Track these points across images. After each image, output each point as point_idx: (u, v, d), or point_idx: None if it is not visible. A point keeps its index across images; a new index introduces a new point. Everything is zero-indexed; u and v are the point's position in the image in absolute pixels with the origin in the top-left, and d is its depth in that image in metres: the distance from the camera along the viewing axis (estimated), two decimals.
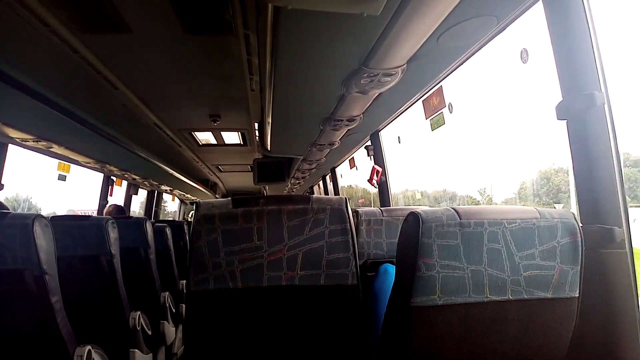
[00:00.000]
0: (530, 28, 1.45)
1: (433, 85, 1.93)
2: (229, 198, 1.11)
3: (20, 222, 1.30)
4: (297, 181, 5.06)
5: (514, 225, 0.94)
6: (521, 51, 1.45)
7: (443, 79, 1.86)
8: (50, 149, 2.93)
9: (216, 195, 7.95)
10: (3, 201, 2.27)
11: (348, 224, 1.12)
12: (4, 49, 1.78)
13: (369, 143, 2.99)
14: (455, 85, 1.89)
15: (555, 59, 1.28)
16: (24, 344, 1.40)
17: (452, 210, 0.95)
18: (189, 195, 8.05)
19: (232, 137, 3.97)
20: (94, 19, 1.66)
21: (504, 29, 1.47)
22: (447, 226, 0.92)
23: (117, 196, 4.80)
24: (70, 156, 3.30)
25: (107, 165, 3.90)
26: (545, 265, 0.96)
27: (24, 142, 2.70)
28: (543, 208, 1.00)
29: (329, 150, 3.10)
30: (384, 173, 2.88)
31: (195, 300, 1.10)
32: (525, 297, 0.96)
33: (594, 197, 1.18)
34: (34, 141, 2.70)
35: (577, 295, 0.99)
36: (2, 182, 2.68)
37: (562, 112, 1.24)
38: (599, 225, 1.15)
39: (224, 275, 1.09)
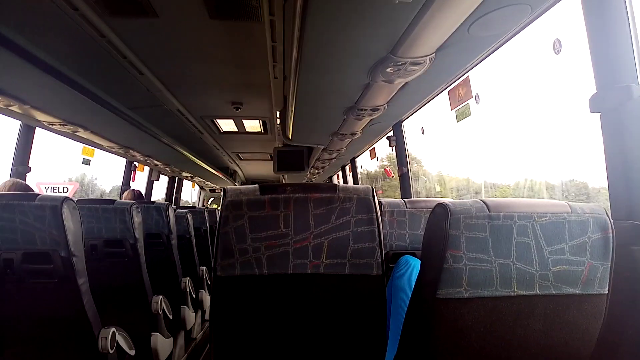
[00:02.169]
0: (564, 17, 1.41)
1: (460, 75, 1.90)
2: (256, 185, 1.12)
3: (50, 204, 1.33)
4: (317, 171, 5.06)
5: (544, 219, 0.92)
6: (554, 41, 1.41)
7: (471, 68, 1.83)
8: (76, 133, 2.98)
9: (235, 183, 8.01)
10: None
11: (374, 214, 1.12)
12: (33, 32, 1.81)
13: (391, 133, 2.96)
14: (483, 75, 1.86)
15: (591, 50, 1.24)
16: (51, 325, 1.44)
17: (481, 203, 0.93)
18: (209, 183, 8.13)
19: (253, 125, 3.99)
20: (121, 2, 1.68)
21: (536, 18, 1.44)
22: (475, 218, 0.91)
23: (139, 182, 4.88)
24: (95, 140, 3.35)
25: (131, 151, 3.96)
26: (575, 261, 0.94)
27: (50, 126, 2.76)
28: (574, 202, 0.98)
29: (350, 140, 3.09)
30: (406, 164, 2.86)
31: (221, 286, 1.11)
32: (553, 292, 0.94)
33: (626, 192, 1.15)
34: (60, 125, 2.75)
35: (607, 292, 0.97)
36: (29, 165, 2.75)
37: (596, 105, 1.20)
38: (631, 222, 1.12)
39: (250, 261, 1.10)
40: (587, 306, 0.96)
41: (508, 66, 1.93)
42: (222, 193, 1.11)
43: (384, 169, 3.13)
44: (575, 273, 0.94)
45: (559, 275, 0.93)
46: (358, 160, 4.49)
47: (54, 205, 1.33)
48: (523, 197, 1.33)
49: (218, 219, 1.12)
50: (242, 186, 1.13)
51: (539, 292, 0.93)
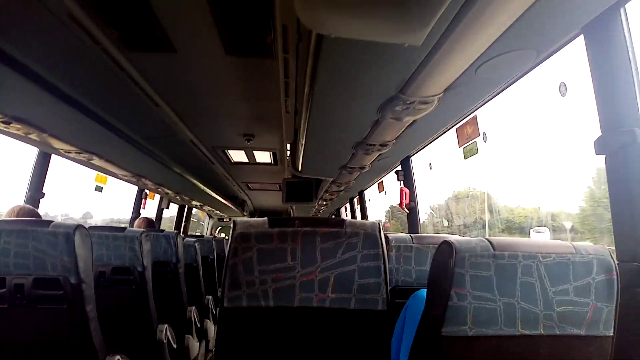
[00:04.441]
0: (570, 61, 1.45)
1: (468, 113, 1.93)
2: (265, 218, 1.14)
3: (63, 231, 1.35)
4: (325, 202, 5.07)
5: (548, 259, 0.93)
6: (560, 85, 1.45)
7: (478, 108, 1.87)
8: (90, 161, 3.04)
9: (244, 213, 8.02)
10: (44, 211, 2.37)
11: (380, 250, 1.13)
12: (54, 62, 1.88)
13: (399, 168, 2.98)
14: (490, 114, 1.89)
15: (595, 94, 1.27)
16: (58, 350, 1.44)
17: (486, 241, 0.94)
18: (217, 212, 8.16)
19: (263, 157, 4.05)
20: (141, 38, 1.75)
21: (543, 61, 1.47)
22: (480, 257, 0.92)
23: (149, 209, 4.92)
24: (109, 168, 3.41)
25: (143, 179, 4.01)
26: (579, 302, 0.94)
27: (67, 154, 2.82)
28: (578, 243, 0.98)
29: (358, 173, 3.12)
30: (414, 199, 2.87)
31: (228, 317, 1.12)
32: (558, 332, 0.94)
33: (632, 234, 1.15)
34: (76, 153, 2.81)
35: (612, 334, 0.96)
36: (43, 191, 2.80)
37: (601, 147, 1.22)
38: (637, 264, 1.12)
39: (257, 293, 1.11)
40: (592, 348, 0.96)
41: (516, 106, 1.97)
42: (231, 224, 1.13)
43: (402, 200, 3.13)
44: (579, 314, 0.94)
45: (564, 316, 0.93)
46: (366, 193, 4.50)
47: (67, 232, 1.35)
48: None
49: (227, 250, 1.13)
50: (251, 219, 1.15)
51: (543, 332, 0.93)
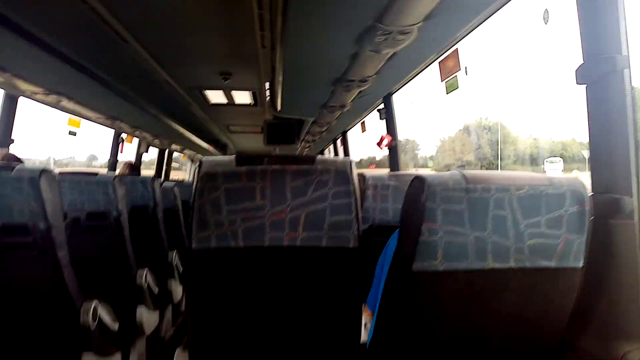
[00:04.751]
0: None
1: (449, 46, 1.87)
2: (233, 156, 1.10)
3: (28, 176, 1.31)
4: (308, 144, 5.05)
5: (521, 191, 0.92)
6: (543, 11, 1.39)
7: (459, 40, 1.81)
8: (60, 103, 2.93)
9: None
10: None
11: (351, 186, 1.11)
12: (14, 0, 1.75)
13: (381, 106, 2.94)
14: (472, 47, 1.84)
15: (579, 20, 1.22)
16: (31, 298, 1.43)
17: (459, 175, 0.93)
18: (199, 155, 8.08)
19: (243, 97, 3.94)
20: None
21: None
22: (452, 190, 0.90)
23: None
24: (81, 111, 3.30)
25: (118, 122, 3.90)
26: (551, 234, 0.94)
27: (33, 95, 2.70)
28: (554, 176, 0.97)
29: (340, 112, 3.07)
30: (395, 137, 2.85)
31: (197, 259, 1.11)
32: (528, 265, 0.94)
33: (608, 165, 1.15)
34: (43, 94, 2.69)
35: (582, 265, 0.98)
36: (12, 138, 2.70)
37: (582, 76, 1.19)
38: (610, 195, 1.12)
39: (226, 233, 1.09)
40: (562, 280, 0.97)
41: (498, 36, 1.91)
42: (197, 165, 1.10)
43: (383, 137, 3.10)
44: (551, 246, 0.94)
45: (535, 249, 0.94)
46: (349, 133, 4.47)
47: (32, 177, 1.31)
48: None
49: (193, 191, 1.10)
50: (218, 157, 1.11)
51: (514, 266, 0.94)
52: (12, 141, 2.68)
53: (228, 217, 1.08)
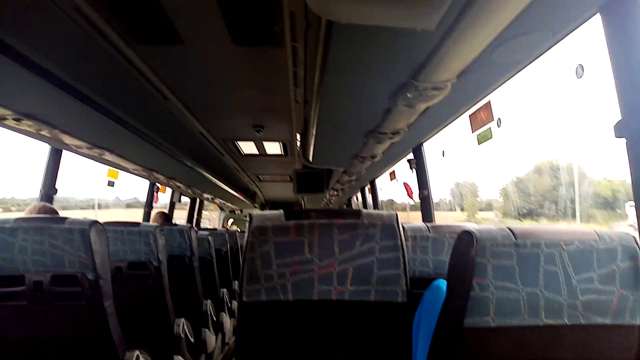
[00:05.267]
0: (586, 42, 1.40)
1: (481, 99, 1.89)
2: (281, 211, 1.13)
3: (79, 227, 1.36)
4: (336, 192, 5.06)
5: (571, 246, 0.91)
6: (576, 67, 1.40)
7: (492, 92, 1.83)
8: (102, 156, 3.06)
9: (255, 205, 8.05)
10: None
11: (399, 240, 1.11)
12: (63, 58, 1.88)
13: (411, 156, 2.95)
14: (505, 99, 1.85)
15: (614, 75, 1.23)
16: (78, 347, 1.45)
17: (507, 230, 0.92)
18: (229, 204, 8.20)
19: (273, 148, 4.04)
20: (148, 30, 1.74)
21: (558, 42, 1.43)
22: (502, 246, 0.90)
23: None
24: (121, 163, 3.43)
25: (154, 173, 4.03)
26: (604, 290, 0.91)
27: (78, 149, 2.84)
28: (601, 230, 0.96)
29: (370, 162, 3.09)
30: (427, 187, 2.84)
31: (247, 311, 1.11)
32: (583, 322, 0.91)
33: None
34: (87, 148, 2.83)
35: (639, 323, 0.94)
36: (56, 187, 2.82)
37: (621, 130, 1.19)
38: None
39: (276, 287, 1.11)
40: (618, 337, 0.93)
41: (531, 90, 1.93)
42: (244, 217, 1.13)
43: (405, 185, 3.09)
44: (604, 303, 0.91)
45: (588, 305, 0.91)
46: (378, 182, 4.47)
47: (83, 229, 1.36)
48: None
49: (244, 245, 1.12)
50: (267, 212, 1.14)
51: (567, 322, 0.91)
52: (56, 191, 2.80)
53: (278, 271, 1.10)
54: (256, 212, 1.17)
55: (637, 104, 1.15)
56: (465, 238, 0.92)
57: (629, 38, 1.17)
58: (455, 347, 0.93)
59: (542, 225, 0.96)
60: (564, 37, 1.41)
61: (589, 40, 1.37)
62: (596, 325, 0.92)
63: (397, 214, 1.14)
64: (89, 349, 1.44)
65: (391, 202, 4.85)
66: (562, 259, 0.90)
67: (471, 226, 0.99)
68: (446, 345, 0.96)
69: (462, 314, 0.90)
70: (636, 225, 1.18)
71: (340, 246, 1.10)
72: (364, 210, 1.14)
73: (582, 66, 1.40)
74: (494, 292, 0.89)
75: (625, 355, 0.94)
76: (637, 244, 0.93)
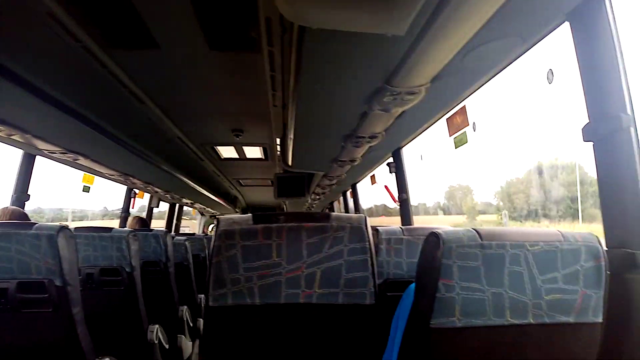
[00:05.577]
0: (557, 48, 1.44)
1: (456, 103, 1.92)
2: (250, 214, 1.12)
3: (46, 233, 1.33)
4: (317, 197, 5.07)
5: (536, 247, 0.93)
6: (547, 72, 1.44)
7: (467, 97, 1.86)
8: (76, 161, 3.01)
9: (236, 209, 8.00)
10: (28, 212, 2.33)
11: (367, 243, 1.12)
12: (35, 63, 1.85)
13: (390, 160, 2.97)
14: (479, 104, 1.88)
15: (582, 80, 1.26)
16: (45, 355, 1.41)
17: (473, 231, 0.93)
18: (209, 209, 8.13)
19: (253, 152, 4.02)
20: (123, 35, 1.72)
21: (529, 49, 1.46)
22: (468, 247, 0.91)
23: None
24: (96, 168, 3.37)
25: (131, 178, 3.98)
26: (568, 289, 0.94)
27: (51, 154, 2.78)
28: (566, 230, 0.98)
29: (350, 166, 3.11)
30: (406, 190, 2.86)
31: (214, 316, 1.11)
32: (547, 321, 0.94)
33: (620, 220, 1.16)
34: (61, 153, 2.77)
35: (601, 320, 0.96)
36: (28, 193, 2.76)
37: (589, 134, 1.22)
38: (625, 250, 1.12)
39: (242, 291, 1.10)
40: (582, 335, 0.96)
41: (505, 95, 1.96)
42: (215, 222, 1.12)
43: (388, 190, 3.11)
44: (568, 301, 0.94)
45: (553, 304, 0.93)
46: (359, 186, 4.49)
47: (50, 234, 1.32)
48: None
49: (211, 249, 1.12)
50: (235, 215, 1.13)
51: (532, 321, 0.93)
52: (28, 197, 2.74)
53: (245, 275, 1.09)
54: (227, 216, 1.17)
55: (604, 108, 1.19)
56: (432, 240, 0.93)
57: (595, 45, 1.21)
58: (423, 348, 0.94)
59: (508, 228, 0.98)
60: (534, 44, 1.44)
61: (559, 47, 1.41)
62: (560, 323, 0.94)
63: (365, 217, 1.15)
64: (57, 357, 1.41)
65: (384, 207, 4.86)
66: (527, 260, 0.92)
67: (444, 228, 1.01)
68: (415, 346, 0.98)
69: (429, 314, 0.91)
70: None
71: (309, 249, 1.10)
72: (333, 214, 1.14)
73: (552, 71, 1.44)
74: (459, 293, 0.90)
75: (589, 352, 0.97)
76: (600, 244, 0.96)
